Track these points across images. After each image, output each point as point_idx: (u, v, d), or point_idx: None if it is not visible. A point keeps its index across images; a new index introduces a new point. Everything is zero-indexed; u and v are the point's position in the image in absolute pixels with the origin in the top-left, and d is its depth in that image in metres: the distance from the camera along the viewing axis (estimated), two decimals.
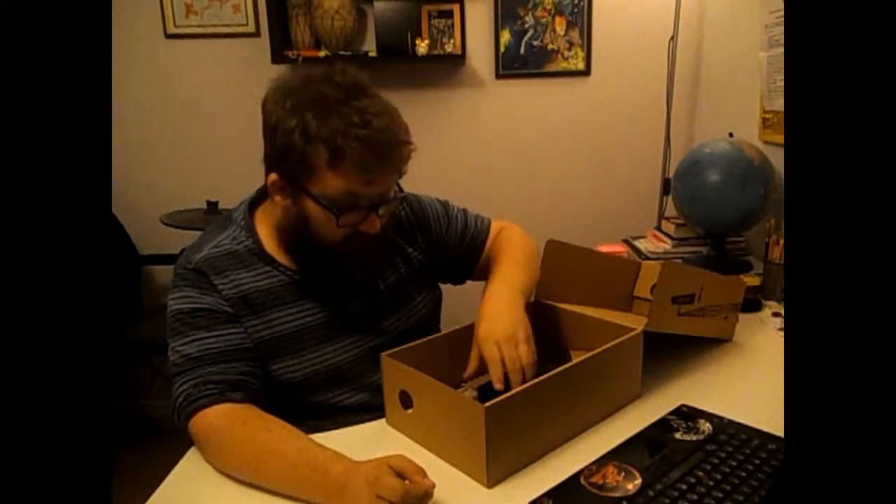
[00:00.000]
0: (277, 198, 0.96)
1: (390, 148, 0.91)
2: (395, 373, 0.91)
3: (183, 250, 1.03)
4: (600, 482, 0.78)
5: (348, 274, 1.02)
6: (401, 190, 1.01)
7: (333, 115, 0.88)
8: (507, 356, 0.91)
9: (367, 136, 0.88)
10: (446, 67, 2.45)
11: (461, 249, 1.20)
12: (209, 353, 0.92)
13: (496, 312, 0.98)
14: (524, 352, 0.93)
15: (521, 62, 2.45)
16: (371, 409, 0.99)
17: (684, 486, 0.75)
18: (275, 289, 0.99)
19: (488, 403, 0.76)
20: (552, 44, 2.43)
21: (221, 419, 0.87)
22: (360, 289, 1.06)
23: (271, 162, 0.94)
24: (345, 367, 1.02)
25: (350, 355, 1.03)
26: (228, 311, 0.95)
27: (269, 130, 0.92)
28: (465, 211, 1.26)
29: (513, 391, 0.80)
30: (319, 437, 0.94)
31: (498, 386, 0.90)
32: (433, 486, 0.73)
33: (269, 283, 0.99)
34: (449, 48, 2.37)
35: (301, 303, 1.00)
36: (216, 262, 0.98)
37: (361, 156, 0.88)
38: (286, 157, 0.91)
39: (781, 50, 1.69)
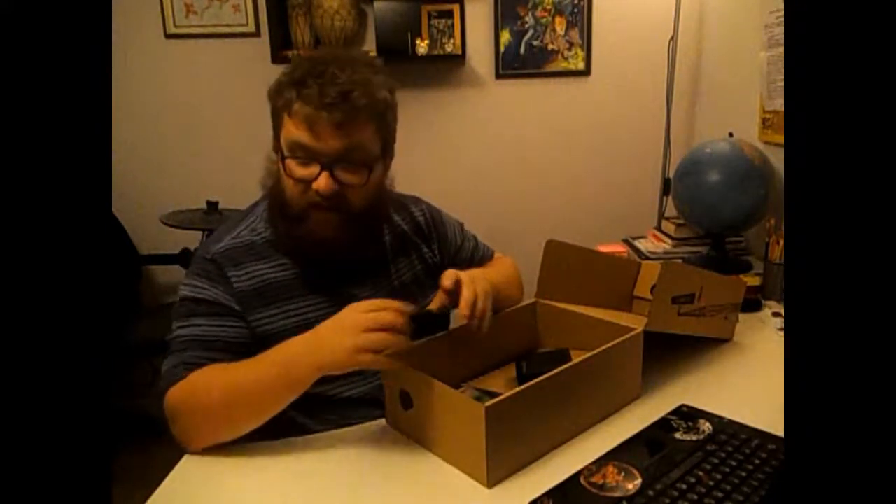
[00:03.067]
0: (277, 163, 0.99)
1: (338, 97, 0.89)
2: (395, 373, 0.91)
3: (189, 250, 1.03)
4: (600, 482, 0.78)
5: (334, 256, 1.01)
6: (384, 162, 1.01)
7: (305, 63, 0.93)
8: (479, 289, 0.95)
9: (318, 81, 0.89)
10: (446, 67, 2.45)
11: (468, 268, 1.21)
12: (199, 339, 0.93)
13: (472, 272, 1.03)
14: (488, 302, 0.97)
15: (521, 62, 2.45)
16: (376, 404, 0.98)
17: (684, 486, 0.75)
18: (289, 280, 1.00)
19: (488, 403, 0.76)
20: (552, 44, 2.44)
21: (188, 382, 0.89)
22: (374, 283, 1.07)
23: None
24: None
25: None
26: (231, 305, 0.96)
27: None
28: (475, 237, 1.30)
29: (511, 392, 0.80)
30: (320, 437, 0.95)
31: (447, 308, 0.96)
32: (402, 306, 0.81)
33: (285, 275, 1.00)
34: (449, 48, 2.37)
35: (316, 295, 1.01)
36: (234, 253, 1.00)
37: (311, 99, 0.89)
38: (271, 115, 0.96)
39: (781, 50, 1.69)
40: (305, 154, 0.92)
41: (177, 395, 0.89)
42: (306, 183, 0.93)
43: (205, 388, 0.87)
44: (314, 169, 0.92)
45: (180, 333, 0.94)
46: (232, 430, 0.88)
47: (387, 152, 1.02)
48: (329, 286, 1.02)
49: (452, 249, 1.22)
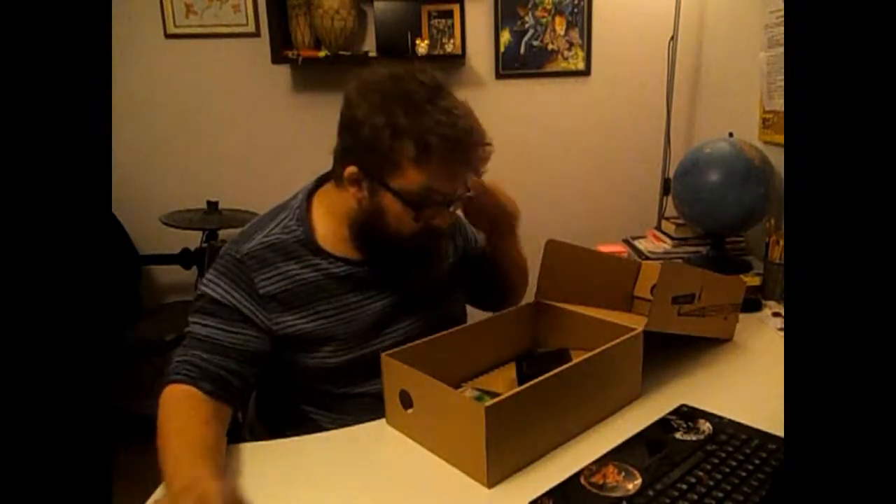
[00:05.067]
0: (353, 190, 0.98)
1: (472, 148, 0.95)
2: (395, 373, 0.91)
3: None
4: (600, 482, 0.78)
5: (408, 265, 1.06)
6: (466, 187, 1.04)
7: (422, 112, 0.91)
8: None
9: (453, 135, 0.91)
10: (446, 67, 2.45)
11: (480, 263, 1.26)
12: (208, 342, 0.95)
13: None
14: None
15: (521, 62, 2.45)
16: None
17: (684, 486, 0.75)
18: (321, 281, 1.02)
19: (488, 403, 0.76)
20: (552, 44, 2.44)
21: (177, 396, 0.91)
22: (406, 283, 1.09)
23: (352, 154, 0.97)
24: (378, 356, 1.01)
25: (386, 346, 1.03)
26: (247, 312, 0.97)
27: (354, 124, 0.94)
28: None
29: (511, 392, 0.80)
30: (320, 437, 0.95)
31: None
32: None
33: (316, 276, 1.02)
34: (449, 48, 2.37)
35: (347, 295, 1.03)
36: (264, 253, 1.00)
37: (447, 153, 0.91)
38: (371, 152, 0.93)
39: (781, 50, 1.69)
40: (433, 196, 0.95)
41: (166, 395, 0.92)
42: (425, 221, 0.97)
43: (165, 424, 0.87)
44: (436, 208, 0.97)
45: (194, 330, 0.97)
46: None
47: None
48: (364, 285, 1.04)
49: (472, 243, 1.25)
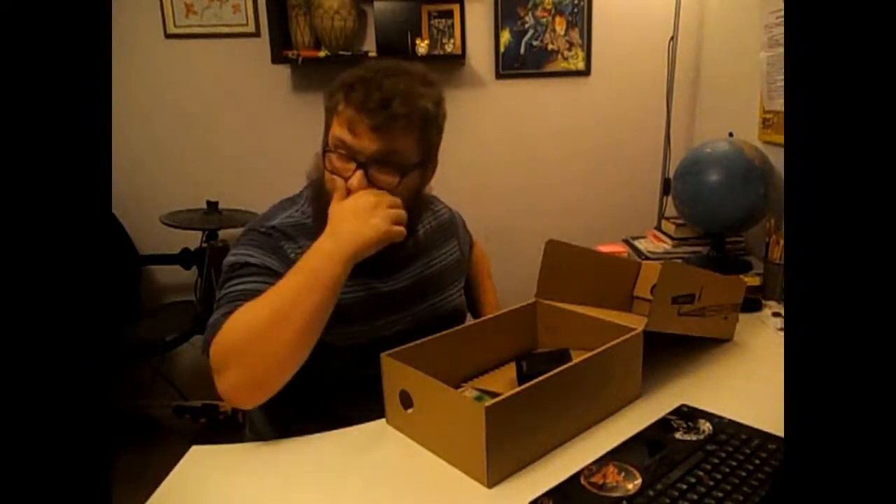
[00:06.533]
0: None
1: (379, 103, 0.94)
2: (395, 373, 0.91)
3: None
4: (600, 482, 0.78)
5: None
6: (421, 172, 1.05)
7: (360, 70, 0.99)
8: None
9: (365, 87, 0.95)
10: (446, 67, 2.45)
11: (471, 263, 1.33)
12: (249, 292, 0.96)
13: None
14: None
15: (521, 62, 2.45)
16: None
17: (684, 486, 0.75)
18: None
19: (488, 403, 0.76)
20: (552, 44, 2.44)
21: (231, 319, 0.91)
22: (408, 271, 1.13)
23: None
24: (384, 341, 1.02)
25: (395, 332, 1.08)
26: (281, 272, 0.99)
27: None
28: None
29: (511, 392, 0.80)
30: (320, 437, 0.95)
31: None
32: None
33: None
34: (449, 48, 2.37)
35: (356, 277, 1.04)
36: (289, 230, 1.07)
37: (354, 102, 0.95)
38: (324, 113, 1.03)
39: (781, 50, 1.69)
40: (345, 151, 0.98)
41: (224, 336, 0.90)
42: (342, 178, 0.99)
43: (252, 313, 0.90)
44: (350, 166, 0.98)
45: (229, 290, 0.99)
46: (286, 354, 0.89)
47: (426, 162, 1.05)
48: (367, 271, 1.06)
49: (468, 246, 1.30)
